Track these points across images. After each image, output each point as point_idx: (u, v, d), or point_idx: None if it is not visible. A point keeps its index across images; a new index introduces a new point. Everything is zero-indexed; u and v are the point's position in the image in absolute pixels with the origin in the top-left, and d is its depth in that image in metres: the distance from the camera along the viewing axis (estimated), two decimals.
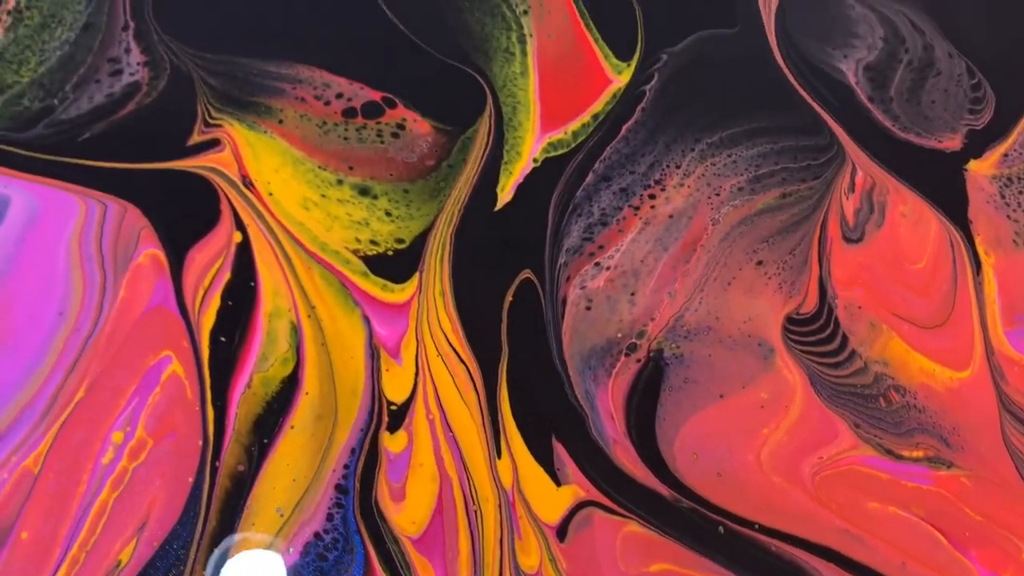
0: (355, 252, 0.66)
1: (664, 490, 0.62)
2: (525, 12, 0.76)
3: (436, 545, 0.59)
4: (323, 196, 0.68)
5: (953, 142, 0.77)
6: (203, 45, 0.72)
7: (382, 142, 0.70)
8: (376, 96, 0.71)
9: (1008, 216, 0.74)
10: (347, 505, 0.60)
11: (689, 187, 0.71)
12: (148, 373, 0.61)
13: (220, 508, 0.59)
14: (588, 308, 0.67)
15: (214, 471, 0.59)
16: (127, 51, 0.71)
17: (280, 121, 0.70)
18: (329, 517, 0.59)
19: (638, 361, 0.65)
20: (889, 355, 0.68)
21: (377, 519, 0.59)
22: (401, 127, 0.71)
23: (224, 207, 0.66)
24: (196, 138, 0.69)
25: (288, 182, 0.68)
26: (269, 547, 0.58)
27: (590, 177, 0.71)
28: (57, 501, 0.58)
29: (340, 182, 0.68)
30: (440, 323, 0.65)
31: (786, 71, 0.77)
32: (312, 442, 0.61)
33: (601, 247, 0.69)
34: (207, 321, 0.63)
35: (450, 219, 0.68)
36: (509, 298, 0.66)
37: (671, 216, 0.70)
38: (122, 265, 0.64)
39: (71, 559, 0.56)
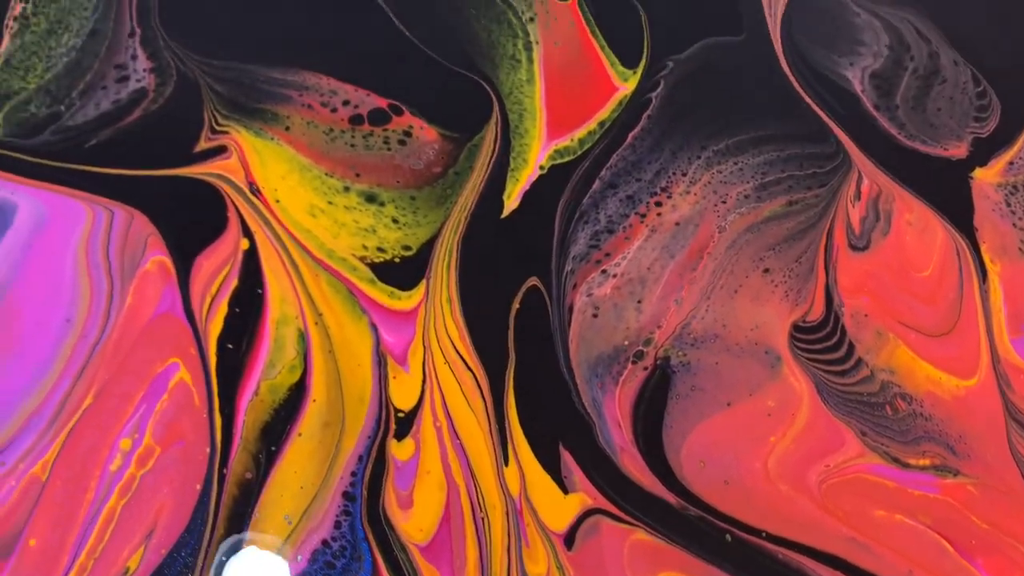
0: (362, 259, 0.66)
1: (671, 498, 0.62)
2: (531, 19, 0.76)
3: (444, 553, 0.59)
4: (330, 203, 0.68)
5: (959, 150, 0.77)
6: (210, 51, 0.72)
7: (389, 149, 0.70)
8: (383, 103, 0.71)
9: (1014, 224, 0.74)
10: (355, 512, 0.60)
11: (695, 194, 0.71)
12: (155, 380, 0.61)
13: (228, 515, 0.59)
14: (595, 316, 0.67)
15: (222, 478, 0.59)
16: (134, 57, 0.71)
17: (287, 128, 0.70)
18: (337, 524, 0.59)
19: (645, 369, 0.65)
20: (895, 363, 0.68)
21: (385, 527, 0.59)
22: (408, 134, 0.71)
23: (231, 214, 0.66)
24: (203, 145, 0.69)
25: (295, 189, 0.68)
26: (277, 551, 0.58)
27: (596, 184, 0.71)
28: (65, 508, 0.58)
29: (347, 189, 0.68)
30: (447, 330, 0.65)
31: (792, 79, 0.77)
32: (320, 449, 0.61)
33: (608, 254, 0.69)
34: (214, 328, 0.63)
35: (457, 226, 0.68)
36: (516, 305, 0.66)
37: (677, 223, 0.70)
38: (129, 272, 0.64)
39: (79, 566, 0.56)
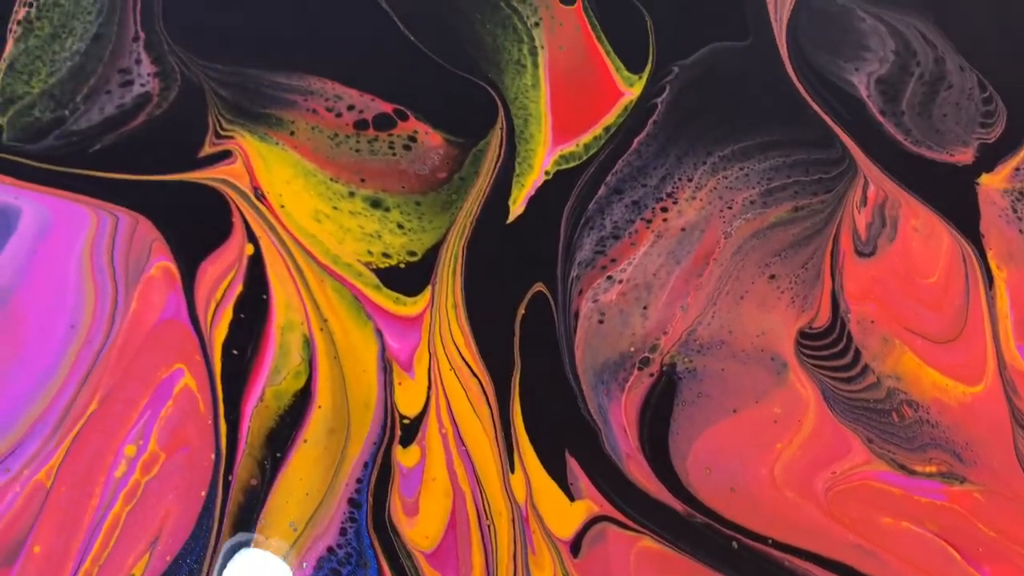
0: (367, 265, 0.66)
1: (678, 505, 0.62)
2: (536, 24, 0.76)
3: (449, 560, 0.59)
4: (335, 208, 0.68)
5: (965, 156, 0.77)
6: (214, 56, 0.72)
7: (394, 154, 0.70)
8: (388, 108, 0.71)
9: (1020, 230, 0.74)
10: (360, 519, 0.59)
11: (701, 200, 0.71)
12: (160, 386, 0.61)
13: (233, 522, 0.58)
14: (601, 322, 0.66)
15: (227, 485, 0.59)
16: (138, 62, 0.71)
17: (292, 133, 0.70)
18: (342, 531, 0.59)
19: (651, 375, 0.65)
20: (902, 370, 0.67)
21: (390, 533, 0.59)
22: (413, 139, 0.71)
23: (236, 219, 0.66)
24: (207, 150, 0.69)
25: (300, 194, 0.68)
26: (281, 554, 0.58)
27: (602, 190, 0.71)
28: (69, 515, 0.58)
29: (352, 194, 0.68)
30: (452, 336, 0.65)
31: (798, 84, 0.77)
32: (325, 456, 0.60)
33: (613, 260, 0.68)
34: (219, 334, 0.63)
35: (462, 232, 0.68)
36: (521, 311, 0.66)
37: (683, 229, 0.70)
38: (134, 277, 0.64)
39: (84, 573, 0.56)
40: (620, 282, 0.68)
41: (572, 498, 0.62)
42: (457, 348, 0.64)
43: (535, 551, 0.60)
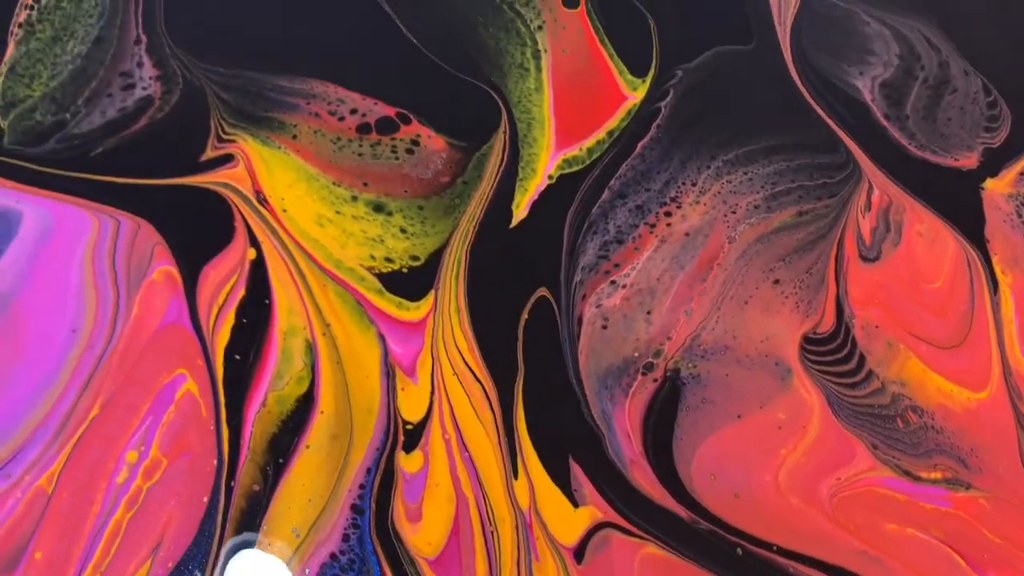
0: (370, 269, 0.66)
1: (682, 511, 0.62)
2: (540, 27, 0.76)
3: (453, 566, 0.59)
4: (337, 213, 0.67)
5: (969, 160, 0.76)
6: (216, 59, 0.72)
7: (397, 158, 0.70)
8: (390, 112, 0.71)
9: None
10: (363, 526, 0.59)
11: (705, 204, 0.71)
12: (162, 391, 0.61)
13: (235, 528, 0.58)
14: (604, 327, 0.66)
15: (229, 491, 0.59)
16: (139, 65, 0.71)
17: (294, 136, 0.70)
18: (345, 538, 0.59)
19: (655, 381, 0.65)
20: (906, 375, 0.67)
21: (393, 540, 0.59)
22: (416, 143, 0.70)
23: (238, 223, 0.66)
24: (209, 153, 0.68)
25: (302, 198, 0.68)
26: (283, 557, 0.58)
27: (605, 194, 0.70)
28: (71, 521, 0.57)
29: (354, 198, 0.68)
30: (456, 341, 0.64)
31: (802, 88, 0.77)
32: (328, 462, 0.60)
33: (617, 265, 0.68)
34: (221, 339, 0.63)
35: (465, 236, 0.68)
36: (525, 316, 0.66)
37: (687, 234, 0.70)
38: (135, 282, 0.64)
39: None
40: (624, 287, 0.68)
41: (576, 504, 0.61)
42: (460, 353, 0.64)
43: (539, 558, 0.60)
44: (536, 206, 0.70)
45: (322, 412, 0.61)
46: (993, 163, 0.77)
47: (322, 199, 0.68)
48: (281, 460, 0.60)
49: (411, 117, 0.71)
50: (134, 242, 0.65)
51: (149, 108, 0.69)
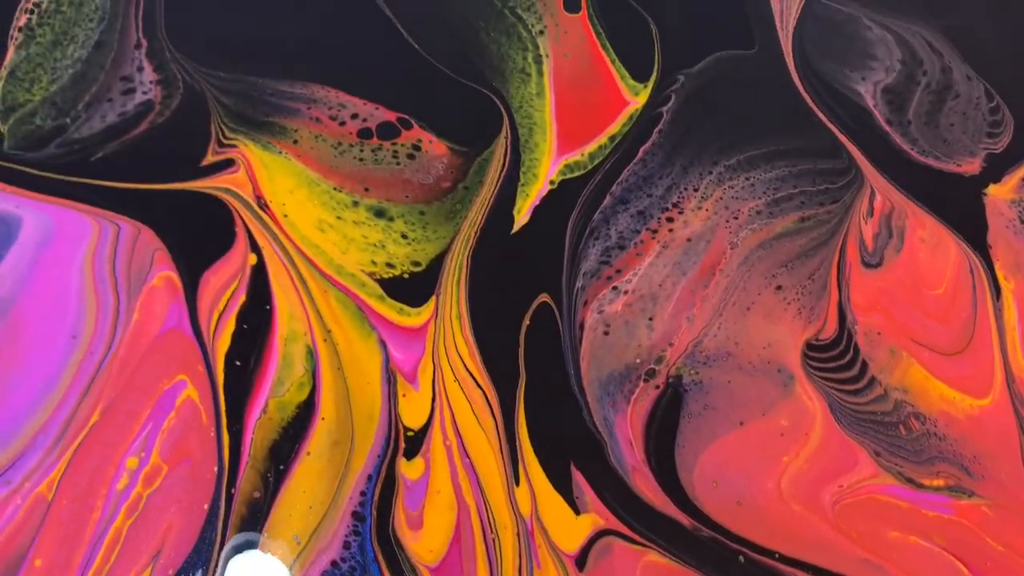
0: (371, 275, 0.66)
1: (684, 518, 0.61)
2: (541, 32, 0.76)
3: (454, 574, 0.59)
4: (339, 218, 0.67)
5: (972, 166, 0.76)
6: (216, 63, 0.71)
7: (398, 163, 0.70)
8: (392, 117, 0.71)
9: None
10: (364, 533, 0.59)
11: (707, 210, 0.71)
12: (163, 397, 0.61)
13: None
14: (606, 333, 0.66)
15: (229, 498, 0.59)
16: (140, 69, 0.70)
17: (295, 141, 0.70)
18: (346, 545, 0.59)
19: (657, 387, 0.65)
20: (909, 382, 0.67)
21: (394, 547, 0.59)
22: (417, 148, 0.70)
23: (239, 229, 0.66)
24: (210, 158, 0.68)
25: (303, 204, 0.67)
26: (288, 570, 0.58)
27: (607, 200, 0.70)
28: (71, 528, 0.57)
29: (356, 204, 0.68)
30: (457, 347, 0.64)
31: (804, 93, 0.77)
32: (329, 468, 0.60)
33: (619, 271, 0.68)
34: (222, 345, 0.62)
35: (466, 242, 0.68)
36: (526, 322, 0.66)
37: (689, 240, 0.70)
38: (136, 287, 0.64)
39: None
40: (625, 293, 0.67)
41: (577, 511, 0.61)
42: (461, 359, 0.64)
43: (540, 565, 0.60)
44: (538, 211, 0.69)
45: (323, 418, 0.61)
46: (996, 169, 0.76)
47: (323, 204, 0.68)
48: (282, 467, 0.60)
49: (412, 122, 0.71)
50: (134, 247, 0.65)
51: (149, 113, 0.69)
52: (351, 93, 0.71)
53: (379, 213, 0.68)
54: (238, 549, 0.58)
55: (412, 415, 0.62)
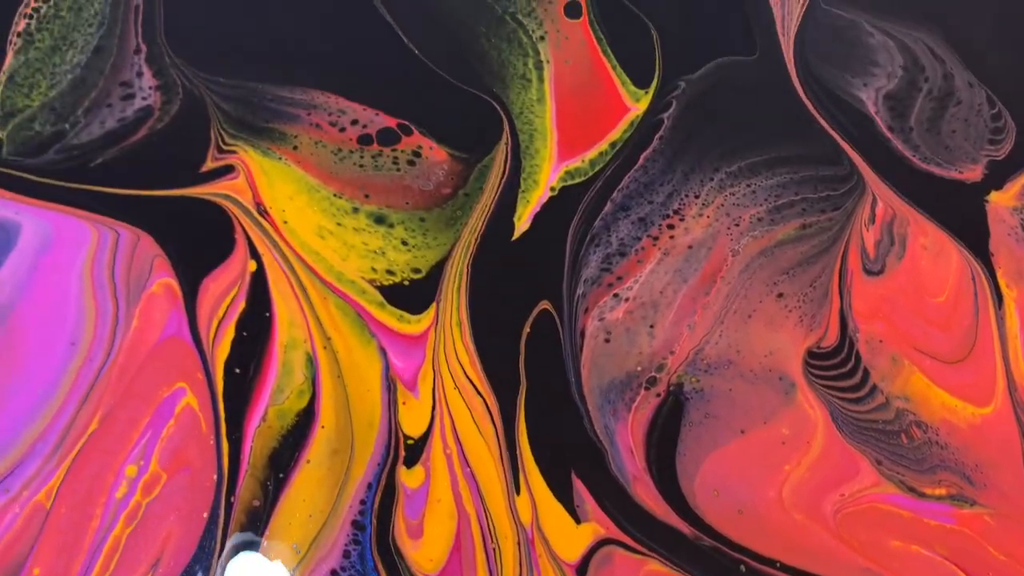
0: (371, 282, 0.66)
1: (685, 527, 0.61)
2: (542, 38, 0.76)
3: None
4: (339, 224, 0.67)
5: (974, 173, 0.76)
6: (216, 69, 0.71)
7: (398, 170, 0.69)
8: (392, 123, 0.71)
9: None
10: (364, 542, 0.59)
11: (708, 217, 0.71)
12: (162, 405, 0.61)
13: (235, 544, 0.58)
14: (607, 340, 0.66)
15: (229, 506, 0.58)
16: (139, 75, 0.70)
17: (295, 147, 0.69)
18: (346, 554, 0.58)
19: (658, 395, 0.65)
20: (911, 390, 0.67)
21: (394, 556, 0.59)
22: (417, 154, 0.70)
23: (239, 235, 0.66)
24: (210, 164, 0.68)
25: (303, 210, 0.67)
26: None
27: (608, 206, 0.70)
28: (70, 536, 0.57)
29: (356, 210, 0.68)
30: (457, 355, 0.64)
31: (805, 99, 0.76)
32: (328, 477, 0.60)
33: (620, 278, 0.68)
34: (221, 352, 0.62)
35: (467, 248, 0.67)
36: (527, 330, 0.65)
37: (690, 247, 0.69)
38: (135, 294, 0.63)
39: None
40: (626, 300, 0.67)
41: (578, 520, 0.61)
42: (462, 367, 0.64)
43: (541, 574, 0.60)
44: (538, 218, 0.69)
45: (323, 426, 0.61)
46: (997, 176, 0.76)
47: (323, 211, 0.67)
48: (281, 475, 0.60)
49: (413, 128, 0.71)
50: (134, 254, 0.64)
51: (149, 118, 0.69)
52: (351, 99, 0.71)
53: (379, 220, 0.68)
54: (238, 549, 0.58)
55: (412, 423, 0.62)
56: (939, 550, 0.63)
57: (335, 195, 0.68)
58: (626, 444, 0.63)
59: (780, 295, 0.69)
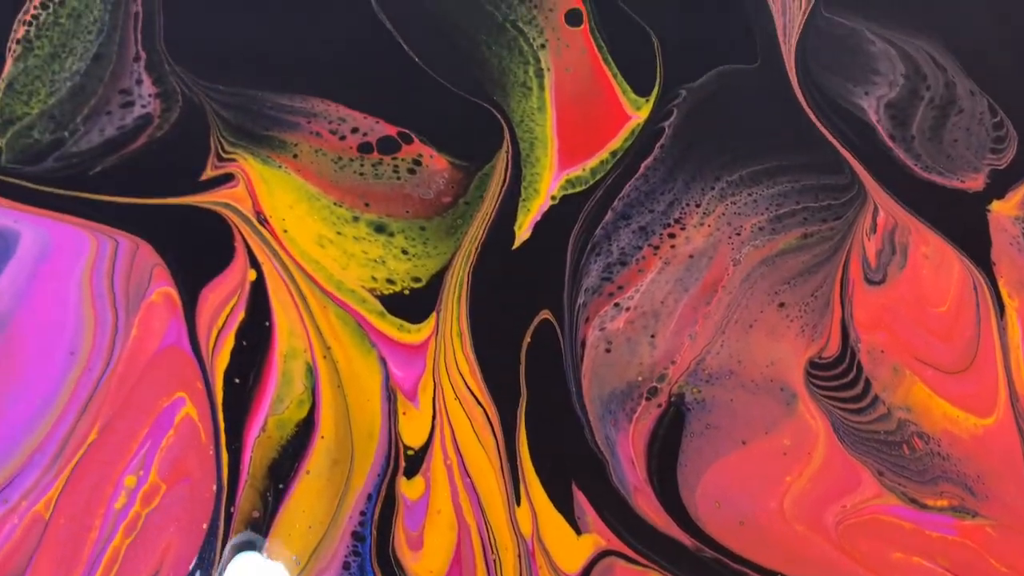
0: (371, 291, 0.65)
1: (686, 539, 0.61)
2: (543, 46, 0.75)
3: None
4: (339, 233, 0.67)
5: (975, 182, 0.76)
6: (216, 76, 0.71)
7: (398, 178, 0.69)
8: (392, 131, 0.71)
9: None
10: (364, 553, 0.59)
11: (709, 226, 0.70)
12: (161, 415, 0.60)
13: (235, 555, 0.58)
14: (608, 350, 0.66)
15: (229, 517, 0.58)
16: (139, 82, 0.70)
17: (295, 156, 0.69)
18: (346, 566, 0.58)
19: (659, 406, 0.65)
20: (912, 401, 0.67)
21: (394, 568, 0.59)
22: (417, 163, 0.70)
23: (238, 244, 0.66)
24: (209, 172, 0.68)
25: (303, 219, 0.67)
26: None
27: (609, 215, 0.70)
28: (69, 548, 0.57)
29: (356, 219, 0.67)
30: (457, 365, 0.64)
31: (806, 108, 0.76)
32: (328, 488, 0.60)
33: (620, 287, 0.68)
34: (221, 362, 0.62)
35: (467, 257, 0.67)
36: (527, 339, 0.65)
37: (691, 256, 0.69)
38: (134, 303, 0.63)
39: None
40: (627, 310, 0.67)
41: (579, 532, 0.61)
42: (462, 377, 0.64)
43: None
44: (539, 227, 0.69)
45: (322, 437, 0.61)
46: (999, 185, 0.76)
47: (323, 219, 0.67)
48: (281, 486, 0.60)
49: (413, 136, 0.71)
50: (133, 263, 0.64)
51: (148, 126, 0.69)
52: (351, 107, 0.71)
53: (379, 228, 0.67)
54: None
55: (412, 433, 0.62)
56: (941, 562, 0.62)
57: (335, 204, 0.68)
58: (627, 455, 0.63)
59: (781, 305, 0.69)
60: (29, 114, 0.68)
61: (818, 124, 0.76)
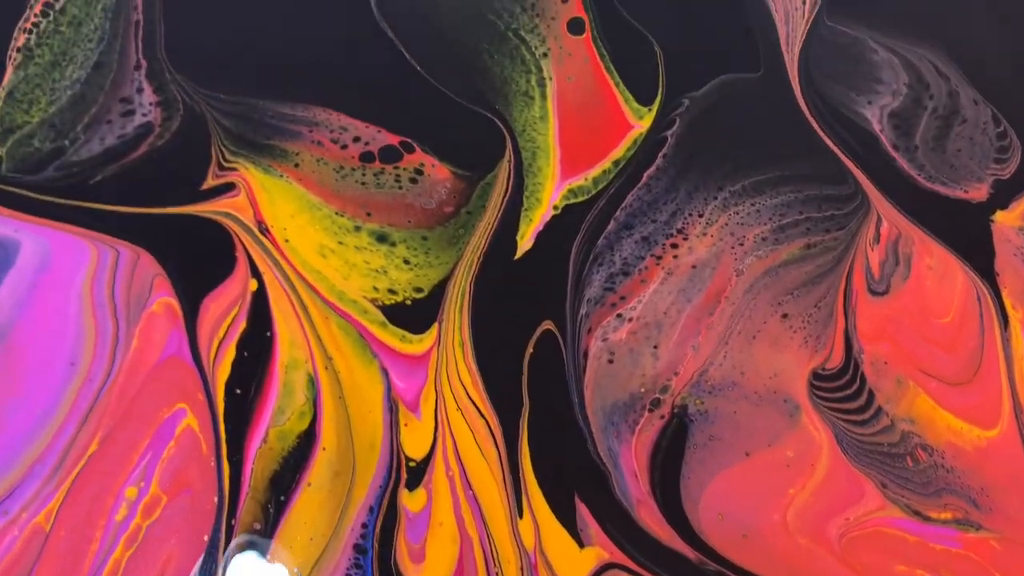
0: (373, 301, 0.65)
1: (689, 552, 0.61)
2: (545, 55, 0.75)
3: None
4: (340, 243, 0.67)
5: (979, 192, 0.75)
6: (217, 85, 0.71)
7: (400, 187, 0.69)
8: (394, 140, 0.70)
9: None
10: (365, 566, 0.58)
11: (712, 236, 0.70)
12: (162, 426, 0.60)
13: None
14: (610, 361, 0.65)
15: (230, 529, 0.58)
16: (139, 91, 0.70)
17: (296, 165, 0.69)
18: None
19: (662, 417, 0.64)
20: (916, 413, 0.66)
21: None
22: (419, 172, 0.70)
23: (239, 254, 0.65)
24: (211, 182, 0.68)
25: (305, 228, 0.67)
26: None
27: (611, 225, 0.70)
28: (69, 560, 0.57)
29: (358, 229, 0.67)
30: (460, 376, 0.64)
31: (810, 117, 0.76)
32: (330, 500, 0.60)
33: (623, 298, 0.67)
34: (222, 372, 0.62)
35: (469, 267, 0.67)
36: (530, 350, 0.65)
37: (694, 266, 0.69)
38: (135, 313, 0.63)
39: None
40: (630, 320, 0.67)
41: (582, 544, 0.61)
42: (464, 388, 0.63)
43: None
44: (541, 237, 0.69)
45: (324, 448, 0.61)
46: (1003, 195, 0.75)
47: (325, 229, 0.67)
48: (282, 497, 0.59)
49: (415, 145, 0.70)
50: (134, 273, 0.64)
51: (149, 135, 0.68)
52: (353, 116, 0.71)
53: (381, 238, 0.67)
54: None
55: (414, 445, 0.62)
56: (944, 575, 0.62)
57: (337, 213, 0.68)
58: (630, 467, 0.63)
59: (784, 315, 0.68)
60: (29, 123, 0.68)
61: (821, 134, 0.75)
